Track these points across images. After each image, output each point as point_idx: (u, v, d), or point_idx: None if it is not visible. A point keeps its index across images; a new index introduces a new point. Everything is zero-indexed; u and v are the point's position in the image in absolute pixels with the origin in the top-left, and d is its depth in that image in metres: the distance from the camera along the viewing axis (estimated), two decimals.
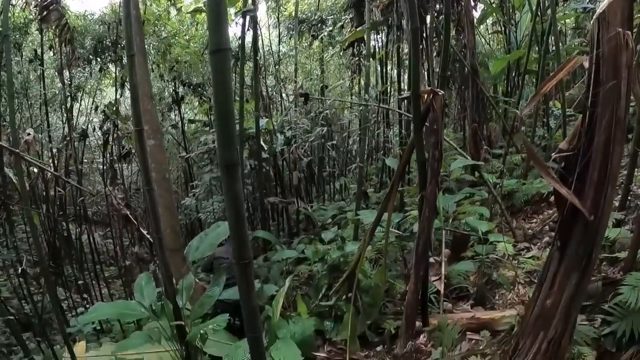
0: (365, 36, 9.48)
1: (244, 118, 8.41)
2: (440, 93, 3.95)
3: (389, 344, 5.08)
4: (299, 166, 10.01)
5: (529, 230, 6.75)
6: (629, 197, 6.01)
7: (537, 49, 9.81)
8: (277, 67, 13.34)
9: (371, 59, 11.23)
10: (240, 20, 8.79)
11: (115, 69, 12.23)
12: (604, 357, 3.92)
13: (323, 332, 5.55)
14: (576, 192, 2.92)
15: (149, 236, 5.88)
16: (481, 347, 4.46)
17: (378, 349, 5.10)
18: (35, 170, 10.42)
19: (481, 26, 12.39)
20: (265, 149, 9.28)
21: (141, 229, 8.56)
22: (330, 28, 13.68)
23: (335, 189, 12.69)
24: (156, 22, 12.69)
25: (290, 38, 14.44)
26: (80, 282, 11.68)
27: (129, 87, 4.34)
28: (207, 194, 10.87)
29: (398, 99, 11.13)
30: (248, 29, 8.99)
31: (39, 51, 11.87)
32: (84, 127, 12.83)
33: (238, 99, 8.64)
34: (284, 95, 14.06)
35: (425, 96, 4.09)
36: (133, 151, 10.70)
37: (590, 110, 2.91)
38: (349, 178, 12.92)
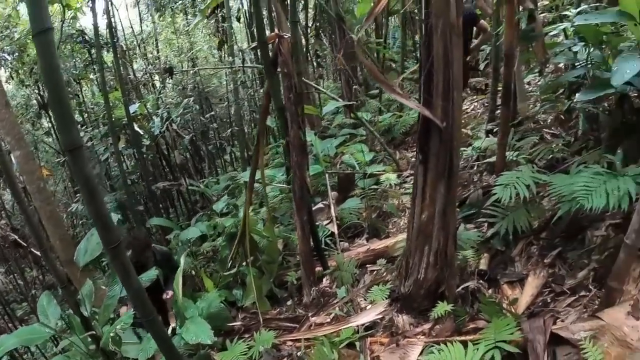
0: None
1: (110, 107, 7.98)
2: (285, 36, 3.90)
3: (297, 295, 5.11)
4: (181, 145, 9.71)
5: (412, 159, 6.96)
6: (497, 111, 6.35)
7: None
8: (139, 47, 12.72)
9: (237, 20, 11.01)
10: (100, 5, 8.30)
11: None
12: (496, 257, 4.15)
13: (235, 301, 5.49)
14: (426, 103, 3.00)
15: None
16: (383, 275, 4.58)
17: (289, 303, 5.12)
18: None
19: None
20: (142, 134, 8.91)
21: (33, 250, 8.02)
22: None
23: (225, 160, 12.44)
24: (6, 23, 11.60)
25: (151, 15, 13.80)
26: None
27: None
28: None
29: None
30: (104, 14, 8.50)
31: None
32: None
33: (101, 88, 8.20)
34: (155, 76, 13.48)
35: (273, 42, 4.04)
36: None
37: (426, 22, 2.97)
38: (237, 147, 12.67)
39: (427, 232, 3.36)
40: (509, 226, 3.89)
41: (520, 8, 4.39)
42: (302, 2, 10.55)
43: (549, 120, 5.50)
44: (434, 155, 3.10)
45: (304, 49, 9.40)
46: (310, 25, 10.92)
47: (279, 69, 4.16)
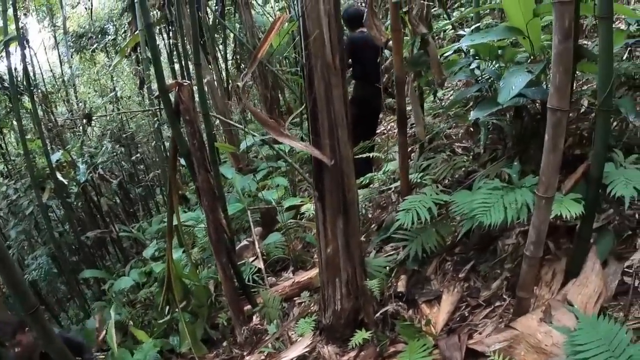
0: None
1: (30, 157, 7.75)
2: (185, 83, 3.93)
3: (231, 336, 5.07)
4: (109, 189, 9.51)
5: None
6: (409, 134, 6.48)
7: None
8: (60, 91, 12.42)
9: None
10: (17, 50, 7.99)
11: None
12: (412, 277, 4.22)
13: (174, 348, 5.41)
14: (315, 143, 3.07)
15: None
16: (309, 307, 4.61)
17: (225, 344, 5.07)
18: None
19: (267, 5, 12.39)
20: (67, 182, 8.66)
21: None
22: (113, 37, 13.03)
23: (157, 202, 12.24)
24: None
25: (72, 57, 13.50)
26: None
27: None
28: (28, 250, 9.96)
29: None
30: (21, 61, 8.27)
31: None
32: None
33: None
34: (78, 120, 13.18)
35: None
36: None
37: (307, 64, 3.05)
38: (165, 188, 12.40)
39: (334, 265, 3.43)
40: (419, 248, 3.99)
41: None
42: (222, 36, 10.58)
43: (460, 134, 5.65)
44: (328, 192, 3.17)
45: (225, 83, 9.39)
46: (231, 58, 10.95)
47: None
